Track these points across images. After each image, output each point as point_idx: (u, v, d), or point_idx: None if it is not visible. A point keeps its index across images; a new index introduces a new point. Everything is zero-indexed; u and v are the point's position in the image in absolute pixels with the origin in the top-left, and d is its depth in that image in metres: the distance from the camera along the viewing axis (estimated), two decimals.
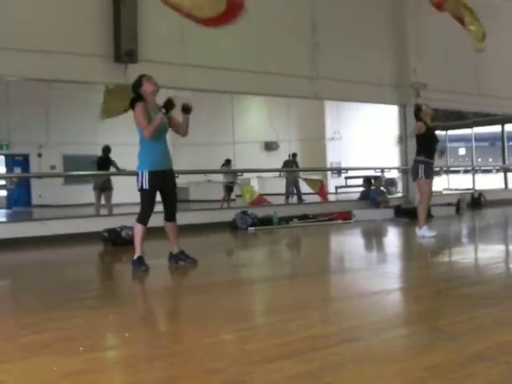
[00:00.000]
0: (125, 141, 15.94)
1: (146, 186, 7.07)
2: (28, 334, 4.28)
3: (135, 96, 7.21)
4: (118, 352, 4.00)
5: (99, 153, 15.29)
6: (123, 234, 9.92)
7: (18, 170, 25.91)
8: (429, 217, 11.30)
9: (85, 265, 8.51)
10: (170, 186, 7.38)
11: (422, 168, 9.92)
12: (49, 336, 4.19)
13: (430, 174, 9.97)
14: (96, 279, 7.43)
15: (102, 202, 14.89)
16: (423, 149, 9.99)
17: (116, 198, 15.16)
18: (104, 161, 15.04)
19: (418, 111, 10.21)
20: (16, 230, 11.02)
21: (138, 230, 7.13)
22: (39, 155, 26.16)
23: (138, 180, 7.16)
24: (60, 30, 11.03)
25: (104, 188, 14.79)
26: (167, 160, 7.28)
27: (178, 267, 7.32)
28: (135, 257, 7.12)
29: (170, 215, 7.35)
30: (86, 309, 5.12)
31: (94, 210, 14.81)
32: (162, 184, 7.21)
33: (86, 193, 22.18)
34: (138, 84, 7.23)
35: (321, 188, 19.67)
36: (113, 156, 15.17)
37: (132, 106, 7.16)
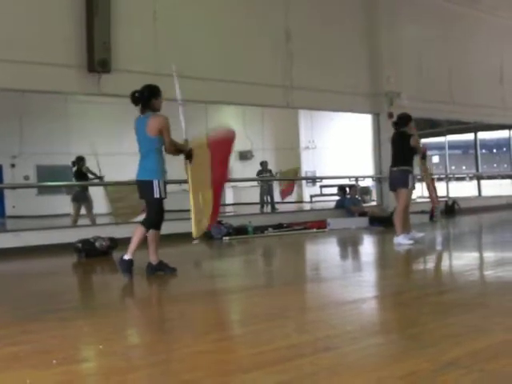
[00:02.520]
0: (99, 151, 15.84)
1: None
2: (0, 346, 4.23)
3: (147, 97, 7.41)
4: (93, 364, 3.96)
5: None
6: (97, 244, 9.86)
7: None
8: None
9: (58, 276, 8.44)
10: (143, 196, 7.46)
11: (411, 178, 9.99)
12: (22, 348, 4.14)
13: (414, 183, 10.08)
14: (70, 290, 7.36)
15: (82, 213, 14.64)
16: (411, 159, 10.07)
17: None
18: (77, 173, 14.66)
19: (408, 120, 10.29)
20: None
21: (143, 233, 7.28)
22: (12, 166, 25.96)
23: None
24: (32, 40, 10.97)
25: (80, 199, 14.50)
26: (138, 170, 7.41)
27: (155, 277, 7.29)
28: (128, 257, 7.18)
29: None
30: (60, 321, 5.07)
31: (69, 221, 14.58)
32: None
33: (60, 203, 22.09)
34: (156, 93, 7.47)
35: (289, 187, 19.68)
36: (89, 166, 14.91)
37: (143, 100, 7.39)
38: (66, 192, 21.40)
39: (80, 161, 14.46)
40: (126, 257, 7.17)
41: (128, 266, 7.15)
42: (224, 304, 6.04)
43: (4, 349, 4.16)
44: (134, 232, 7.27)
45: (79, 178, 14.45)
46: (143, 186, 7.35)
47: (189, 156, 7.29)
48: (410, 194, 10.15)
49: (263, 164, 21.77)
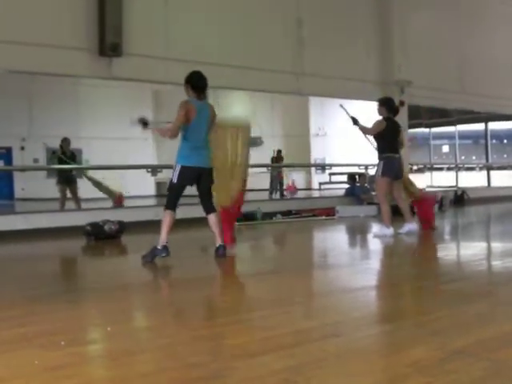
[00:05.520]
0: (108, 135, 15.83)
1: None
2: (9, 327, 4.25)
3: None
4: (100, 346, 3.98)
5: (82, 146, 15.03)
6: (106, 228, 9.89)
7: (0, 163, 25.78)
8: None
9: (67, 259, 8.47)
10: (209, 183, 7.75)
11: (380, 165, 9.95)
12: (30, 330, 4.16)
13: (388, 171, 9.92)
14: (78, 273, 7.39)
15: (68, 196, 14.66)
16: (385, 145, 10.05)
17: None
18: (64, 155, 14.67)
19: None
20: None
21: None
22: (22, 148, 26.03)
23: None
24: (44, 23, 10.96)
25: (69, 181, 14.57)
26: (206, 158, 7.63)
27: (161, 262, 7.29)
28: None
29: None
30: (68, 303, 5.09)
31: (61, 206, 14.48)
32: None
33: None
34: None
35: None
36: (95, 150, 14.94)
37: None
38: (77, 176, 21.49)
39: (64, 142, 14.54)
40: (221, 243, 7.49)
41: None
42: (231, 289, 6.04)
43: (12, 329, 4.18)
44: (217, 220, 7.55)
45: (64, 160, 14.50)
46: (211, 174, 7.61)
47: None
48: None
49: (279, 152, 21.94)
